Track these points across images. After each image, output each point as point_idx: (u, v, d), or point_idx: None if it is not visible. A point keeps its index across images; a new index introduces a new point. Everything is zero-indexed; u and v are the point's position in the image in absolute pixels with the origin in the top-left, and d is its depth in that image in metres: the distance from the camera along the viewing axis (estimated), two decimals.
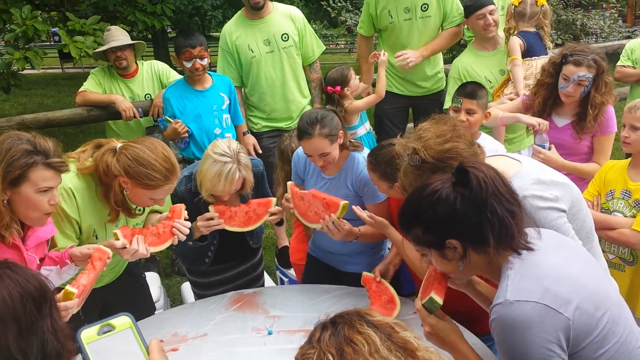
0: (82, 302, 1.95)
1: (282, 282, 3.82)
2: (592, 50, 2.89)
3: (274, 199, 2.61)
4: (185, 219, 2.32)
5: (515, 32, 3.65)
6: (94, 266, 1.98)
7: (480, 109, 2.86)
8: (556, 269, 1.47)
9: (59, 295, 1.81)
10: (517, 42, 3.58)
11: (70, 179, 2.15)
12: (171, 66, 4.32)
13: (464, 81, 3.59)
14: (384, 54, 3.83)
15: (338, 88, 3.69)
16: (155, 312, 2.86)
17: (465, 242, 1.50)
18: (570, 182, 1.97)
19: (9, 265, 1.11)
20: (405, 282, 2.62)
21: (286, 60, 3.94)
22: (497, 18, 3.65)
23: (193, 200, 2.51)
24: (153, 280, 3.58)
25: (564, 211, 1.85)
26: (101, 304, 2.58)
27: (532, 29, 3.69)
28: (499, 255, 1.50)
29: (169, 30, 25.30)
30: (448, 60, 4.80)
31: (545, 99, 2.99)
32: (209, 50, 3.56)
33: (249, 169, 2.47)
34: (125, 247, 2.13)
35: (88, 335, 0.90)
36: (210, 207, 2.50)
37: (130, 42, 3.93)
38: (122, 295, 2.63)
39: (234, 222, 2.54)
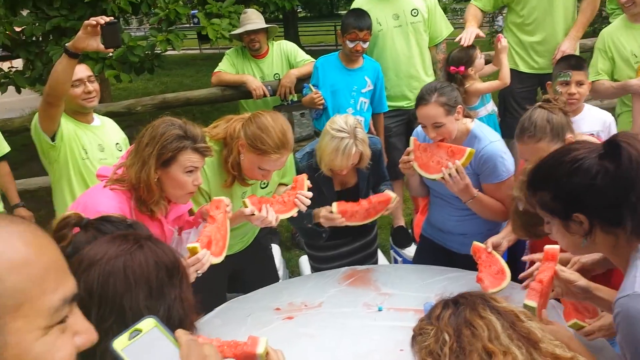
0: (223, 249, 2.12)
1: (396, 262, 3.86)
2: None
3: (393, 195, 2.63)
4: (308, 188, 2.43)
5: None
6: (211, 217, 2.14)
7: (587, 80, 2.78)
8: None
9: (188, 255, 1.98)
10: None
11: None
12: (300, 45, 4.46)
13: (609, 54, 3.37)
14: (504, 39, 3.65)
15: (462, 68, 3.59)
16: (278, 282, 3.03)
17: (596, 220, 1.40)
18: None
19: (151, 239, 1.27)
20: (520, 268, 2.55)
21: (413, 35, 3.89)
22: None
23: (314, 176, 2.59)
24: (275, 252, 3.77)
25: None
26: (231, 270, 2.78)
27: None
28: (628, 242, 1.39)
29: (299, 10, 25.93)
30: (589, 34, 4.48)
31: None
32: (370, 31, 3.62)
33: (365, 144, 2.52)
34: (253, 214, 2.27)
35: (120, 342, 0.99)
36: (334, 206, 2.56)
37: (265, 25, 4.11)
38: (250, 263, 2.82)
39: (355, 219, 2.61)
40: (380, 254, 3.59)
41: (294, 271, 4.17)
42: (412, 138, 2.60)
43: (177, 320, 1.18)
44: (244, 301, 2.47)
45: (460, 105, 2.45)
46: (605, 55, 3.44)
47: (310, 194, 2.41)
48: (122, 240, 1.23)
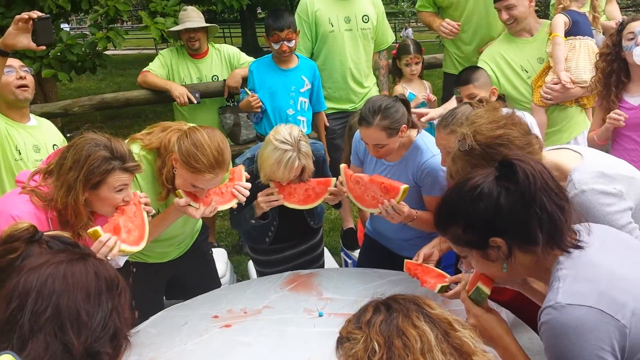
0: (141, 238, 2.07)
1: (346, 264, 3.82)
2: None
3: (333, 179, 2.59)
4: (246, 179, 2.37)
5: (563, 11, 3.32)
6: (120, 208, 2.05)
7: (482, 88, 2.76)
8: (612, 270, 1.35)
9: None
10: (561, 20, 3.21)
11: None
12: (258, 47, 4.39)
13: (498, 67, 3.35)
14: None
15: None
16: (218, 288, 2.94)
17: (511, 241, 1.40)
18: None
19: (95, 256, 1.30)
20: (446, 268, 2.55)
21: (361, 40, 3.88)
22: (519, 13, 3.25)
23: (254, 183, 2.52)
24: (220, 256, 3.69)
25: (629, 208, 1.70)
26: (169, 276, 2.70)
27: (582, 11, 3.35)
28: (547, 255, 1.40)
29: (259, 11, 25.71)
30: None
31: (606, 74, 2.72)
32: (298, 31, 3.59)
33: (309, 157, 2.47)
34: (189, 205, 2.21)
35: None
36: (271, 182, 2.51)
37: (204, 24, 4.01)
38: (190, 269, 2.73)
39: (293, 199, 2.55)
40: (330, 257, 3.55)
41: (244, 276, 4.08)
42: (342, 166, 2.55)
43: (112, 330, 1.18)
44: (182, 309, 2.38)
45: (404, 125, 2.40)
46: (491, 69, 3.33)
47: (248, 185, 2.35)
48: (67, 252, 1.27)
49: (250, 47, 16.27)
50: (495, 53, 3.41)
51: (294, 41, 3.53)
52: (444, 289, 2.06)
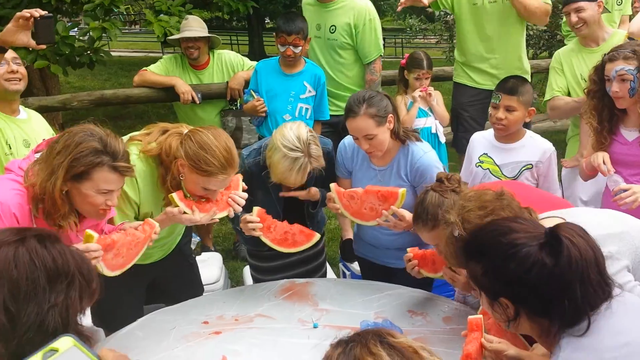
0: (121, 267, 1.98)
1: (345, 275, 3.71)
2: (633, 43, 2.54)
3: (317, 235, 2.49)
4: (243, 190, 2.28)
5: None
6: (133, 232, 1.99)
7: (522, 106, 2.63)
8: (621, 338, 1.26)
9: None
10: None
11: (133, 162, 2.12)
12: (265, 56, 4.33)
13: (565, 72, 3.30)
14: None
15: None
16: (210, 293, 2.85)
17: (522, 308, 1.33)
18: (630, 228, 1.72)
19: (45, 238, 1.13)
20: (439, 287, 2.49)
21: (327, 52, 3.82)
22: (588, 16, 3.20)
23: (261, 174, 2.47)
24: (215, 260, 3.61)
25: (625, 267, 1.63)
26: (149, 281, 2.60)
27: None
28: (555, 330, 1.32)
29: (267, 21, 25.82)
30: (545, 56, 4.47)
31: (599, 110, 2.59)
32: (309, 38, 3.52)
33: (320, 158, 2.39)
34: (185, 213, 2.13)
35: None
36: (254, 209, 2.39)
37: (204, 34, 3.91)
38: (170, 273, 2.63)
39: (270, 235, 2.43)
40: (328, 268, 3.44)
41: (239, 282, 3.98)
42: (332, 185, 2.46)
43: (51, 328, 1.05)
44: (171, 312, 2.29)
45: (390, 114, 2.38)
46: (562, 73, 3.38)
47: (245, 195, 2.26)
48: (10, 232, 1.12)
49: (257, 56, 16.29)
50: (563, 57, 3.39)
51: (300, 47, 3.45)
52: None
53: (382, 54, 3.93)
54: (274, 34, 3.55)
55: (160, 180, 2.19)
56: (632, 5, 3.65)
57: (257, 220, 2.35)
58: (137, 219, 2.25)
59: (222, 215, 2.25)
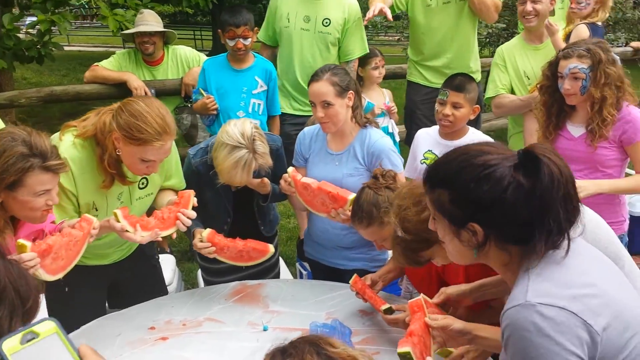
0: (62, 270, 1.91)
1: (301, 275, 3.68)
2: (589, 41, 2.58)
3: (271, 248, 2.45)
4: (193, 206, 2.20)
5: (582, 21, 3.31)
6: (69, 232, 1.91)
7: (468, 103, 2.68)
8: (586, 278, 1.25)
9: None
10: (585, 32, 3.21)
11: (66, 149, 2.05)
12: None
13: (507, 69, 3.35)
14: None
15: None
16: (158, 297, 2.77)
17: (493, 234, 1.27)
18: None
19: None
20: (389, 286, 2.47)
21: (317, 44, 3.73)
22: (542, 9, 3.27)
23: (208, 173, 2.43)
24: (168, 262, 3.52)
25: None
26: (110, 282, 2.52)
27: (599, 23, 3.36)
28: (521, 259, 1.28)
29: None
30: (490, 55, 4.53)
31: (548, 106, 2.64)
32: (255, 29, 3.45)
33: (266, 155, 2.34)
34: (126, 231, 2.04)
35: (10, 345, 0.85)
36: (204, 234, 2.32)
37: (160, 28, 3.82)
38: (132, 275, 2.55)
39: (224, 254, 2.39)
40: (284, 267, 3.41)
41: (194, 284, 3.90)
42: (290, 169, 2.44)
43: None
44: (117, 318, 2.21)
45: (352, 92, 2.42)
46: (505, 70, 3.43)
47: (193, 214, 2.18)
48: None
49: (220, 51, 16.00)
50: (506, 54, 3.44)
51: (250, 39, 3.39)
52: (389, 311, 1.99)
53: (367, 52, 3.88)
54: (219, 30, 3.47)
55: (98, 161, 2.11)
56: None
57: (208, 246, 2.31)
58: (77, 212, 2.17)
59: (166, 234, 2.16)
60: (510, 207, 1.22)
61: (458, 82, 2.71)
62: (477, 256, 1.33)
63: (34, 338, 0.87)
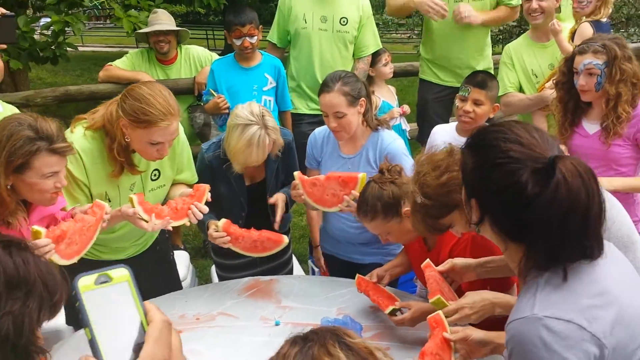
0: (77, 254, 1.94)
1: (313, 273, 3.70)
2: (605, 37, 2.55)
3: (285, 239, 2.47)
4: (207, 201, 2.24)
5: (585, 20, 3.28)
6: (82, 217, 1.95)
7: (489, 100, 2.68)
8: (597, 286, 1.21)
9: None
10: (588, 30, 3.18)
11: (77, 140, 2.11)
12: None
13: (516, 67, 3.36)
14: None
15: None
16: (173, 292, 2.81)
17: (488, 218, 1.28)
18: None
19: (11, 245, 1.12)
20: (404, 283, 2.49)
21: (336, 44, 3.75)
22: (547, 6, 3.25)
23: (222, 167, 2.45)
24: (182, 259, 3.57)
25: None
26: None
27: (605, 20, 3.33)
28: (526, 257, 1.25)
29: None
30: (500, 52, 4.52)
31: (564, 102, 2.62)
32: (260, 27, 3.48)
33: (277, 132, 2.38)
34: (139, 217, 2.08)
35: (85, 283, 0.89)
36: (220, 224, 2.36)
37: (174, 27, 3.87)
38: (146, 270, 2.55)
39: (239, 245, 2.43)
40: (297, 264, 3.43)
41: (207, 280, 3.94)
42: (296, 173, 2.46)
43: (3, 334, 1.02)
44: None
45: (363, 98, 2.42)
46: (513, 68, 3.41)
47: (206, 209, 2.22)
48: None
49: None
50: (514, 52, 3.42)
51: (256, 37, 3.42)
52: (394, 312, 2.00)
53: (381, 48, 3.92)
54: (225, 31, 3.50)
55: (107, 151, 2.16)
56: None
57: (223, 235, 2.34)
58: (90, 202, 2.20)
59: (177, 224, 2.21)
60: (507, 204, 1.22)
61: (480, 78, 2.71)
62: (479, 232, 1.34)
63: (107, 281, 0.91)
